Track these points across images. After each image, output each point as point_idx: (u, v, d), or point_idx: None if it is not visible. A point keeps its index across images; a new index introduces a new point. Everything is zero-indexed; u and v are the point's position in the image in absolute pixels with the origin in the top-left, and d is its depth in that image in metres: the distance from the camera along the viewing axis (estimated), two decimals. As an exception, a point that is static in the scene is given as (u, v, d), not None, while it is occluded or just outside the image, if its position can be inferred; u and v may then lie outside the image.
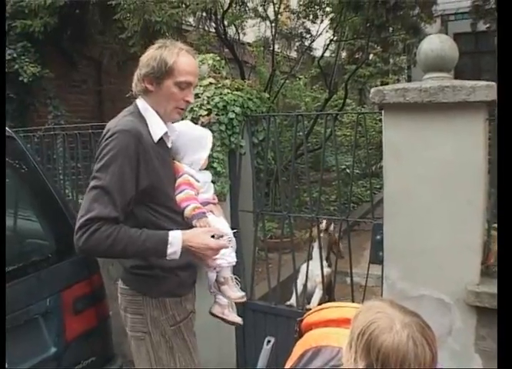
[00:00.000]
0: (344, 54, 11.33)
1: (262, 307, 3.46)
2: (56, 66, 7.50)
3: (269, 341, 1.66)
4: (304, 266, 3.39)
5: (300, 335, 1.71)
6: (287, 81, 9.84)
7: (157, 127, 2.03)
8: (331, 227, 3.53)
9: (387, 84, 12.04)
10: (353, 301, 3.30)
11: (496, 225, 2.81)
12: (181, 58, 2.01)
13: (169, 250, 1.90)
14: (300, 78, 11.16)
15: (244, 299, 2.27)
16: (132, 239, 1.88)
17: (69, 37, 7.63)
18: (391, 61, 13.60)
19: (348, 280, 3.39)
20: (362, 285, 3.38)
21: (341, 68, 10.49)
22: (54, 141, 4.64)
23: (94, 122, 5.49)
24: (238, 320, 2.31)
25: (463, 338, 2.59)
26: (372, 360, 1.22)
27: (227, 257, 2.12)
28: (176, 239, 1.92)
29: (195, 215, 2.07)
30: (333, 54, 10.47)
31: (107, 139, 1.90)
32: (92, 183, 1.89)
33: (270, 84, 8.87)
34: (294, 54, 11.14)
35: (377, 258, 2.75)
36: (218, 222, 2.17)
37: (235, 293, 2.21)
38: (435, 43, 2.62)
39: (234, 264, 2.19)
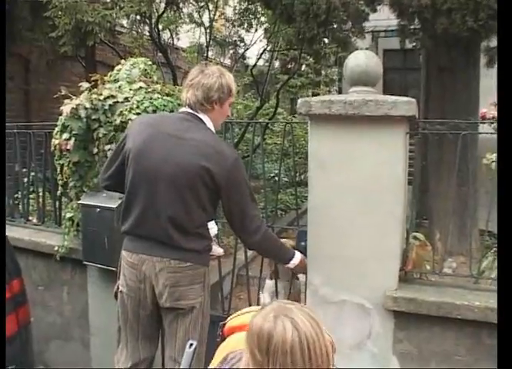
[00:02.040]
0: (276, 63, 11.52)
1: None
2: (-20, 62, 7.22)
3: (191, 345, 1.68)
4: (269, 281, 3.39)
5: (223, 339, 1.74)
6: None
7: None
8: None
9: (318, 94, 12.33)
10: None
11: (415, 234, 2.96)
12: (234, 83, 2.54)
13: (292, 261, 2.69)
14: (233, 86, 11.22)
15: (223, 254, 2.86)
16: (279, 242, 2.69)
17: (-5, 32, 7.35)
18: (323, 72, 13.95)
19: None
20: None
21: (274, 78, 10.65)
22: (-25, 140, 4.46)
23: (19, 121, 5.33)
24: (221, 251, 2.78)
25: (382, 341, 2.70)
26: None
27: (215, 227, 2.65)
28: (298, 255, 2.71)
29: None
30: (266, 64, 10.62)
31: (240, 163, 2.48)
32: (251, 196, 2.48)
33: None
34: (227, 62, 11.21)
35: (301, 264, 2.82)
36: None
37: (219, 249, 2.74)
38: (361, 59, 2.73)
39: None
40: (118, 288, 2.56)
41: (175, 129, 2.41)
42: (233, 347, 1.63)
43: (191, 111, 2.46)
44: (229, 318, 1.80)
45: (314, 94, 12.31)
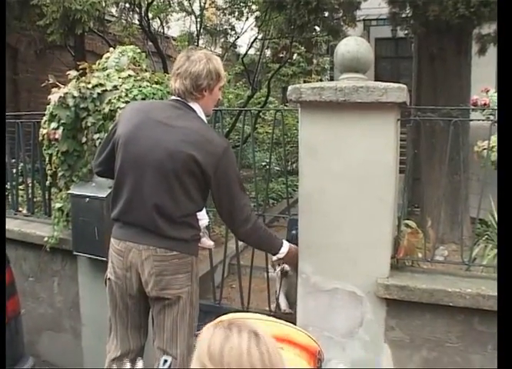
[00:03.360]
0: (268, 52, 11.46)
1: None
2: (-33, 52, 7.13)
3: (165, 361, 1.62)
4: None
5: None
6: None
7: None
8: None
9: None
10: (268, 296, 3.35)
11: (406, 221, 2.96)
12: (222, 66, 2.49)
13: (281, 251, 2.64)
14: (223, 75, 11.16)
15: (214, 246, 2.86)
16: (268, 232, 2.63)
17: (-18, 21, 7.26)
18: (315, 61, 13.92)
19: (266, 274, 3.44)
20: (279, 280, 3.42)
21: (265, 67, 10.59)
22: (-37, 130, 4.41)
23: (8, 112, 5.27)
24: (211, 243, 2.79)
25: (374, 329, 2.70)
26: None
27: (205, 219, 2.64)
28: (286, 244, 2.66)
29: None
30: (257, 52, 10.57)
31: (230, 152, 2.43)
32: (241, 186, 2.46)
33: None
34: (218, 51, 11.14)
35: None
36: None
37: (209, 242, 2.75)
38: (351, 45, 2.71)
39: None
40: (107, 276, 2.56)
41: (165, 116, 2.39)
42: None
43: (180, 99, 2.43)
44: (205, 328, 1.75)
45: (305, 83, 12.27)
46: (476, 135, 4.23)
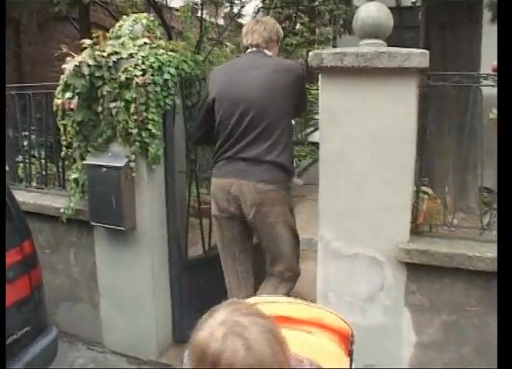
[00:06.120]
0: (271, 22, 11.26)
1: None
2: (-31, 25, 7.02)
3: None
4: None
5: None
6: (215, 48, 9.69)
7: None
8: None
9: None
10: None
11: (423, 188, 2.96)
12: None
13: None
14: (227, 46, 11.02)
15: (302, 183, 3.55)
16: None
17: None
18: (317, 31, 13.74)
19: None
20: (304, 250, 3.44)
21: (269, 37, 10.42)
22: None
23: (13, 85, 5.22)
24: (300, 181, 3.45)
25: (394, 293, 2.73)
26: None
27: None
28: None
29: None
30: (261, 23, 10.40)
31: (302, 67, 3.14)
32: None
33: (198, 50, 8.71)
34: (221, 22, 11.00)
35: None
36: None
37: (298, 180, 3.41)
38: (372, 10, 2.68)
39: None
40: (213, 214, 3.04)
41: (250, 62, 2.96)
42: None
43: (257, 49, 3.01)
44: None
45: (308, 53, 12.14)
46: (487, 105, 4.19)
